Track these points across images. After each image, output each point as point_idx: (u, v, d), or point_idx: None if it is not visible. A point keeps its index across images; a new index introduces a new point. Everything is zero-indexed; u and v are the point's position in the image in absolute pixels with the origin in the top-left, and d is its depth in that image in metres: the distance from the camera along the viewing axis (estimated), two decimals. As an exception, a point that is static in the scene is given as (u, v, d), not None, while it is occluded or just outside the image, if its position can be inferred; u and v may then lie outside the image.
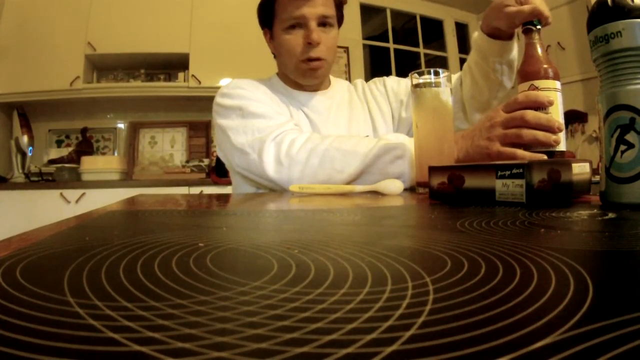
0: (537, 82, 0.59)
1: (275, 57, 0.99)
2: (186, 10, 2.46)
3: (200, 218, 0.37)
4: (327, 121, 0.94)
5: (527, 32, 0.62)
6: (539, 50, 0.61)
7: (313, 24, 0.85)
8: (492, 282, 0.14)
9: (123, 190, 2.03)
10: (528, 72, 0.60)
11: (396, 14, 3.37)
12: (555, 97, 0.59)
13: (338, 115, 0.96)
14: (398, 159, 0.72)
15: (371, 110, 1.01)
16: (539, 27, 0.62)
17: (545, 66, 0.59)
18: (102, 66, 2.52)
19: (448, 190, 0.48)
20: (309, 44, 0.85)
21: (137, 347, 0.09)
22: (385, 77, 1.06)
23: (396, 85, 1.03)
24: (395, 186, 0.67)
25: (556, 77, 0.59)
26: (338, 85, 1.03)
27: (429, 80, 0.68)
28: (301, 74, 0.90)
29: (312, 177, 0.74)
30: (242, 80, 0.93)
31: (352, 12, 3.07)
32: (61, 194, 2.06)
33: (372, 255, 0.19)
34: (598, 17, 0.38)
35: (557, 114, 0.59)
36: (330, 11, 0.87)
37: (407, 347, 0.09)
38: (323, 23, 0.86)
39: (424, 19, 3.43)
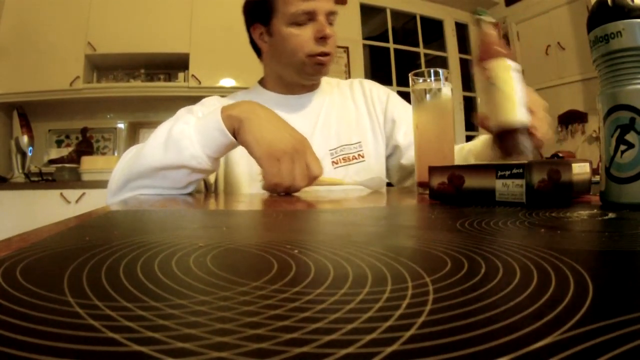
0: (485, 64, 0.60)
1: (260, 55, 0.94)
2: (186, 10, 2.46)
3: (200, 218, 0.37)
4: (315, 125, 0.91)
5: (477, 21, 0.64)
6: (488, 34, 0.61)
7: (323, 19, 0.83)
8: (492, 282, 0.14)
9: (123, 190, 2.03)
10: (479, 57, 0.61)
11: (396, 14, 3.37)
12: (506, 75, 0.58)
13: (327, 116, 0.94)
14: (176, 123, 0.66)
15: (365, 112, 0.97)
16: (485, 17, 0.62)
17: (495, 48, 0.60)
18: (102, 66, 2.52)
19: (448, 190, 0.48)
20: (322, 38, 0.82)
21: (137, 347, 0.09)
22: (392, 92, 1.02)
23: (393, 104, 0.98)
24: (375, 182, 0.75)
25: (509, 57, 0.59)
26: (326, 85, 0.99)
27: (428, 81, 0.68)
28: (307, 70, 0.86)
29: (128, 173, 0.69)
30: (211, 98, 0.91)
31: (352, 12, 3.07)
32: (61, 194, 2.06)
33: (372, 255, 0.19)
34: (598, 17, 0.38)
35: (511, 92, 0.58)
36: (335, 8, 0.86)
37: (407, 347, 0.09)
38: (328, 21, 0.85)
39: (424, 19, 3.43)
